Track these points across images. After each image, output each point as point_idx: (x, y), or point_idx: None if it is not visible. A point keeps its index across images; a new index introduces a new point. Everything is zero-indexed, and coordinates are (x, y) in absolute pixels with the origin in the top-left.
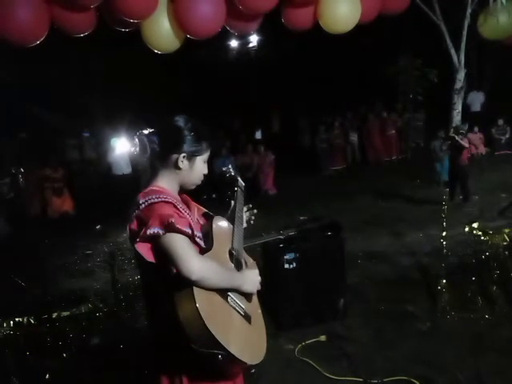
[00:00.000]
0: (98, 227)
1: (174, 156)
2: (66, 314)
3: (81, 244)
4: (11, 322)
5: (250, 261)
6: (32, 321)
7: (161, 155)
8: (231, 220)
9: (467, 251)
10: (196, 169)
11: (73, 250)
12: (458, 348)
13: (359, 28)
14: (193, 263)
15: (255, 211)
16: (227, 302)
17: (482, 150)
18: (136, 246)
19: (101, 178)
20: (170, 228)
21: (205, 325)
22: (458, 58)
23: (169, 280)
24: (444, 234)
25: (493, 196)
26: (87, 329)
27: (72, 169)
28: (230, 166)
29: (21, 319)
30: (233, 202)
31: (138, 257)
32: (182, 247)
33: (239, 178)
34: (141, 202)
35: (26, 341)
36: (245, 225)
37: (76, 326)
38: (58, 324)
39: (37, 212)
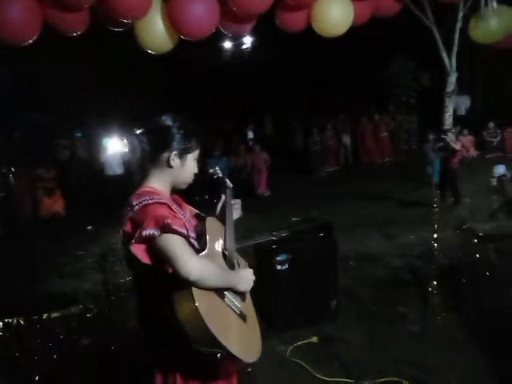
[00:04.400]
0: (89, 228)
1: (166, 154)
2: (56, 315)
3: (72, 245)
4: (0, 323)
5: (242, 261)
6: (22, 322)
7: (152, 154)
8: (221, 220)
9: (458, 253)
10: (187, 167)
11: (64, 250)
12: (448, 349)
13: (352, 31)
14: (191, 263)
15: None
16: (224, 301)
17: (473, 152)
18: (131, 247)
19: (93, 178)
20: (166, 229)
21: (205, 324)
22: (450, 62)
23: (165, 281)
24: (435, 235)
25: (483, 198)
26: (78, 330)
27: (64, 169)
28: (216, 168)
29: (10, 320)
30: (220, 203)
31: (132, 259)
32: (179, 248)
33: (227, 180)
34: (134, 204)
35: (16, 342)
36: (235, 217)
37: (66, 327)
38: (49, 325)
39: (28, 212)
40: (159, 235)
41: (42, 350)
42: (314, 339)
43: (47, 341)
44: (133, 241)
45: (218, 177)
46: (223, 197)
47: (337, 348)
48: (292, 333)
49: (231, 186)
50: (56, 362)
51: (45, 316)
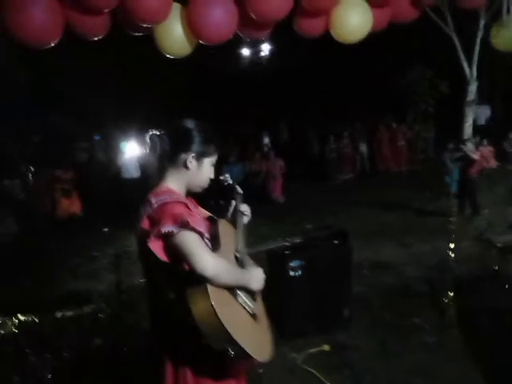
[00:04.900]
0: (105, 230)
1: (183, 156)
2: (69, 314)
3: (88, 246)
4: (15, 320)
5: (252, 263)
6: (35, 319)
7: (170, 155)
8: (232, 224)
9: (476, 264)
10: (203, 170)
11: (79, 251)
12: (463, 362)
13: (370, 39)
14: (206, 260)
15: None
16: (237, 300)
17: (493, 163)
18: (149, 244)
19: (110, 181)
20: (183, 226)
21: (220, 321)
22: (470, 71)
23: (180, 279)
24: (452, 246)
25: (503, 210)
26: (90, 329)
27: (82, 171)
28: (227, 175)
29: (24, 317)
30: (231, 208)
31: (147, 256)
32: (196, 245)
33: (237, 186)
34: (153, 202)
35: (29, 339)
36: (245, 221)
37: (79, 326)
38: (61, 324)
39: (46, 213)
40: (177, 232)
41: (54, 348)
42: (326, 347)
43: (59, 339)
44: (151, 237)
45: (229, 183)
46: (234, 202)
47: (348, 356)
48: (304, 340)
49: (241, 192)
50: (67, 360)
51: (58, 315)
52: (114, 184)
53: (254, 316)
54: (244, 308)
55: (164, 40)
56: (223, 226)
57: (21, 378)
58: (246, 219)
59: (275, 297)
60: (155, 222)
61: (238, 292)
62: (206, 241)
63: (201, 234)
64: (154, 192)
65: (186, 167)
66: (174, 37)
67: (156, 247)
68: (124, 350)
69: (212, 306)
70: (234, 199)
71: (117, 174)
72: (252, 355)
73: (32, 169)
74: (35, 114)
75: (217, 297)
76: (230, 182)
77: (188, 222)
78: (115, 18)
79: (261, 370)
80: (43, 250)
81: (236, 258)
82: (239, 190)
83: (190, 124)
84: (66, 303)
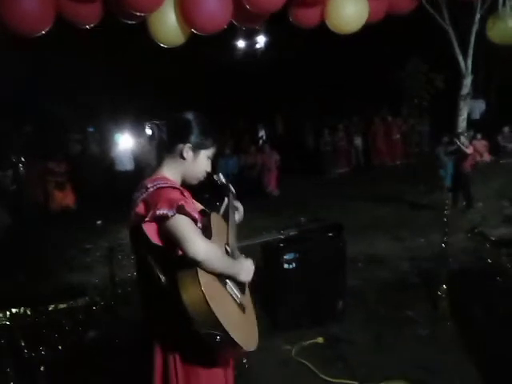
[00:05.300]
0: (98, 222)
1: (181, 146)
2: (62, 306)
3: (81, 238)
4: (8, 313)
5: (243, 257)
6: (28, 312)
7: (168, 144)
8: (224, 219)
9: (469, 257)
10: (199, 162)
11: (72, 243)
12: (457, 354)
13: (366, 33)
14: (198, 244)
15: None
16: (226, 288)
17: (487, 157)
18: (143, 226)
19: (103, 173)
20: (179, 210)
21: (208, 305)
22: (466, 64)
23: (172, 263)
24: (446, 239)
25: (496, 204)
26: (83, 322)
27: (75, 163)
28: (220, 175)
29: (17, 310)
30: (223, 206)
31: (141, 241)
32: (189, 229)
33: (229, 185)
34: (149, 187)
35: (22, 332)
36: (237, 217)
37: (72, 318)
38: (55, 316)
39: (38, 205)
40: (172, 216)
41: (48, 340)
42: (320, 340)
43: (53, 332)
44: (146, 219)
45: (222, 183)
46: (226, 200)
47: (342, 349)
48: (298, 332)
49: (234, 191)
50: (61, 353)
51: (51, 307)
52: (108, 176)
53: (241, 307)
54: (232, 297)
55: (158, 29)
56: (215, 220)
57: (15, 372)
58: (237, 216)
59: (269, 289)
60: (150, 206)
61: (227, 281)
62: (199, 228)
63: (195, 220)
64: (150, 178)
65: (183, 157)
66: (168, 26)
67: (150, 230)
68: (118, 343)
69: (201, 290)
70: (226, 197)
71: (110, 166)
72: (237, 342)
73: (23, 160)
74: (27, 104)
75: (207, 282)
76: (223, 181)
77: (183, 206)
78: (107, 5)
79: (245, 361)
80: (36, 242)
81: (226, 251)
82: (232, 188)
83: (189, 115)
84: (61, 296)
